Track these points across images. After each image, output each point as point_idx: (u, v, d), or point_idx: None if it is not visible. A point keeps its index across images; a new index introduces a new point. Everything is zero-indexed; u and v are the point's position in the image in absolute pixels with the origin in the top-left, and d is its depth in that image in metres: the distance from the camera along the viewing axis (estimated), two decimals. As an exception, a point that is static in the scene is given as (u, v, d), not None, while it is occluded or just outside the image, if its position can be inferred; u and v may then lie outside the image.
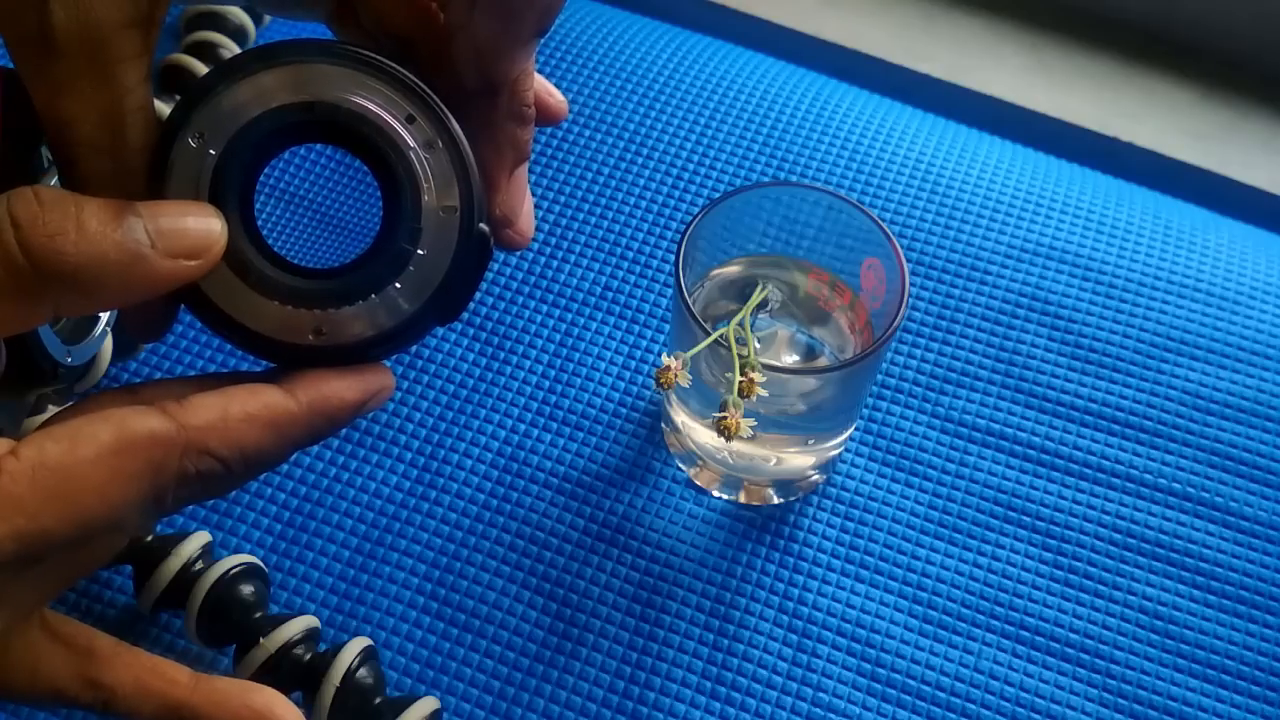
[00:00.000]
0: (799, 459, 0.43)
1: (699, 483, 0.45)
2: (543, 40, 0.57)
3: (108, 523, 0.23)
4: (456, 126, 0.28)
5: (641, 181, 0.53)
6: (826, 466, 0.44)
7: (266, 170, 0.27)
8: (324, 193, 0.51)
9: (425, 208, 0.27)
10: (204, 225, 0.25)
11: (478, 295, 0.50)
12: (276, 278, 0.27)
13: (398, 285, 0.27)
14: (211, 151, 0.26)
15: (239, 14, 0.54)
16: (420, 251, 0.27)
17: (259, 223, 0.27)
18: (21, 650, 0.27)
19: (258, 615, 0.39)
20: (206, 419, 0.24)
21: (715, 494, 0.45)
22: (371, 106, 0.27)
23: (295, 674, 0.38)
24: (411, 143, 0.27)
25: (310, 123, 0.27)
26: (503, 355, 0.48)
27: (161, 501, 0.24)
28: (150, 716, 0.28)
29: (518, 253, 0.51)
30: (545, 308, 0.50)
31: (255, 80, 0.26)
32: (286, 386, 0.26)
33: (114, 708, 0.28)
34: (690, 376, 0.36)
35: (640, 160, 0.54)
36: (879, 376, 0.48)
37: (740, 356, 0.36)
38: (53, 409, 0.42)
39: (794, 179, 0.53)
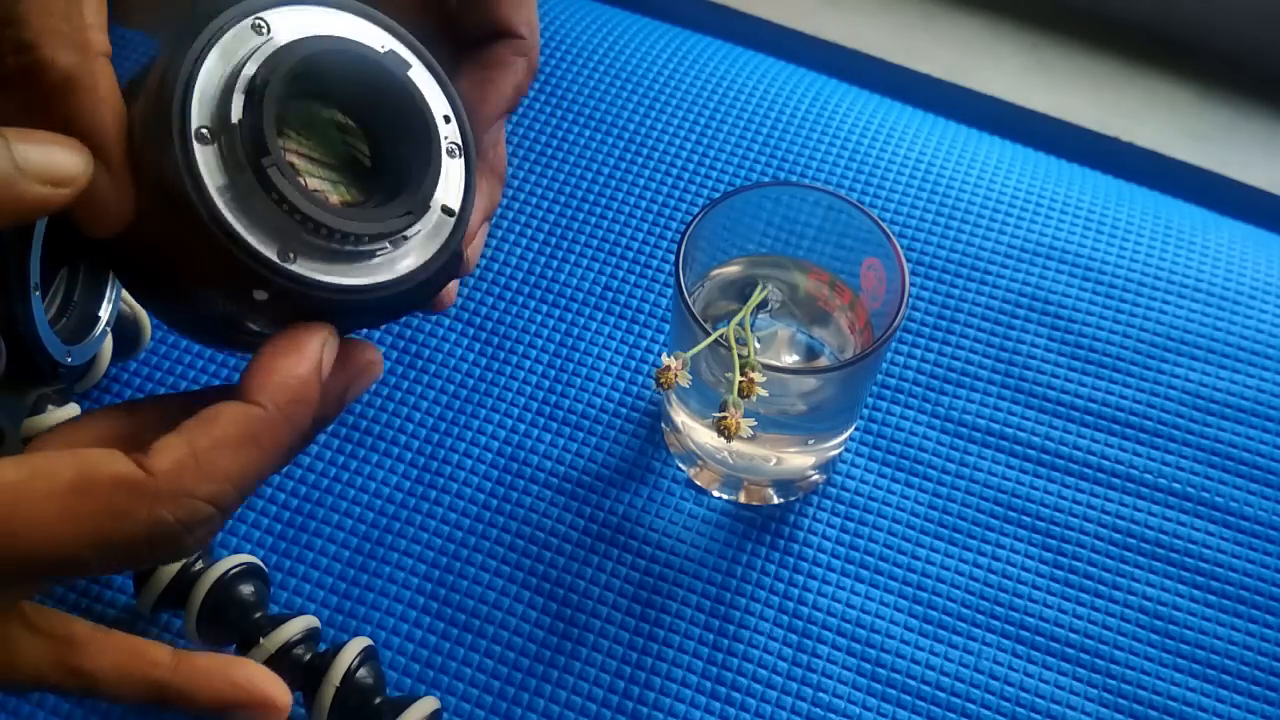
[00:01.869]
0: (799, 459, 0.43)
1: (699, 483, 0.45)
2: (544, 40, 0.58)
3: (52, 560, 0.22)
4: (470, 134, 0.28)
5: (641, 181, 0.53)
6: (826, 466, 0.44)
7: None
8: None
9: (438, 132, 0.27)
10: (70, 158, 0.23)
11: (478, 295, 0.50)
12: (320, 199, 0.25)
13: (407, 236, 0.26)
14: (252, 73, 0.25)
15: None
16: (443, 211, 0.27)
17: None
18: None
19: (258, 615, 0.39)
20: (174, 459, 0.23)
21: (715, 494, 0.45)
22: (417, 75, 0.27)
23: (295, 674, 0.38)
24: (443, 133, 0.27)
25: (358, 72, 0.26)
26: (503, 355, 0.48)
27: (131, 551, 0.23)
28: (133, 698, 0.28)
29: (517, 253, 0.51)
30: (545, 308, 0.50)
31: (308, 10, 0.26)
32: (243, 394, 0.25)
33: (96, 693, 0.27)
34: (690, 376, 0.36)
35: (640, 160, 0.54)
36: (879, 376, 0.48)
37: (740, 356, 0.36)
38: (52, 409, 0.42)
39: (794, 179, 0.53)
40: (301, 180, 0.25)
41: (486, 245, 0.51)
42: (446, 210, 0.27)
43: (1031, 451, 0.46)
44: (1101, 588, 0.43)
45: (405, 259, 0.27)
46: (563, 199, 0.53)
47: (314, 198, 0.25)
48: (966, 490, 0.45)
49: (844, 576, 0.43)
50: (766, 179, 0.53)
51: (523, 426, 0.46)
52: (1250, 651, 0.41)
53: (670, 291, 0.45)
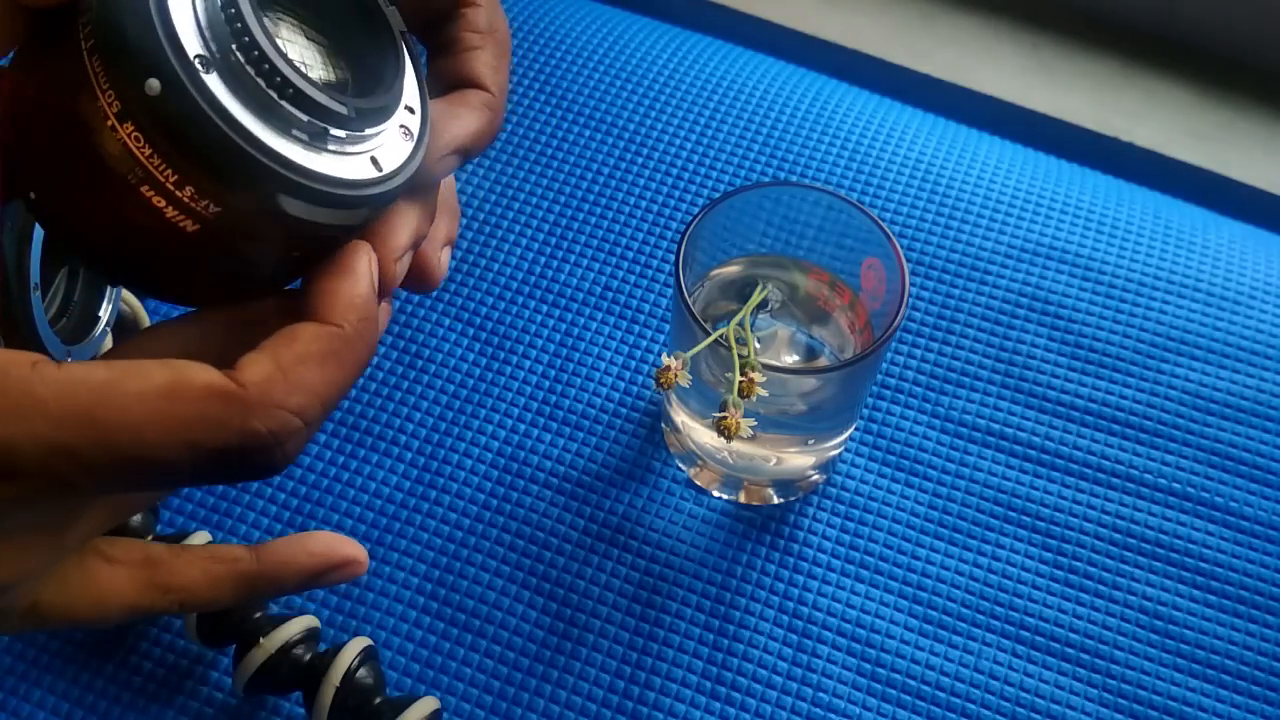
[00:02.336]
0: (799, 459, 0.43)
1: (699, 483, 0.45)
2: (543, 41, 0.58)
3: (144, 462, 0.22)
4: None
5: (641, 181, 0.53)
6: (826, 466, 0.44)
7: None
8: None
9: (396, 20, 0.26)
10: None
11: (478, 295, 0.50)
12: (339, 96, 0.23)
13: (406, 91, 0.26)
14: None
15: None
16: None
17: None
18: (80, 579, 0.27)
19: (258, 615, 0.39)
20: (263, 373, 0.23)
21: (715, 494, 0.45)
22: None
23: (295, 674, 0.38)
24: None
25: None
26: (503, 355, 0.48)
27: (223, 461, 0.22)
28: (228, 599, 0.28)
29: (517, 253, 0.51)
30: (545, 308, 0.50)
31: None
32: (316, 315, 0.24)
33: (191, 604, 0.28)
34: (690, 376, 0.36)
35: (640, 160, 0.54)
36: (879, 376, 0.48)
37: (740, 356, 0.36)
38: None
39: (794, 179, 0.53)
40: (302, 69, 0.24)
41: (487, 245, 0.51)
42: (405, 129, 0.26)
43: (1031, 451, 0.46)
44: (1101, 588, 0.43)
45: (381, 158, 0.25)
46: (563, 199, 0.53)
47: (335, 94, 0.23)
48: (966, 490, 0.45)
49: (844, 576, 0.43)
50: (766, 179, 0.53)
51: (523, 426, 0.46)
52: (1250, 651, 0.41)
53: (670, 291, 0.45)
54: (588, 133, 0.55)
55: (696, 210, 0.44)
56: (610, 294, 0.50)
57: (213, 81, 0.22)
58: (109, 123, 0.22)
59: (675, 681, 0.41)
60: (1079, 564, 0.43)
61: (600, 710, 0.40)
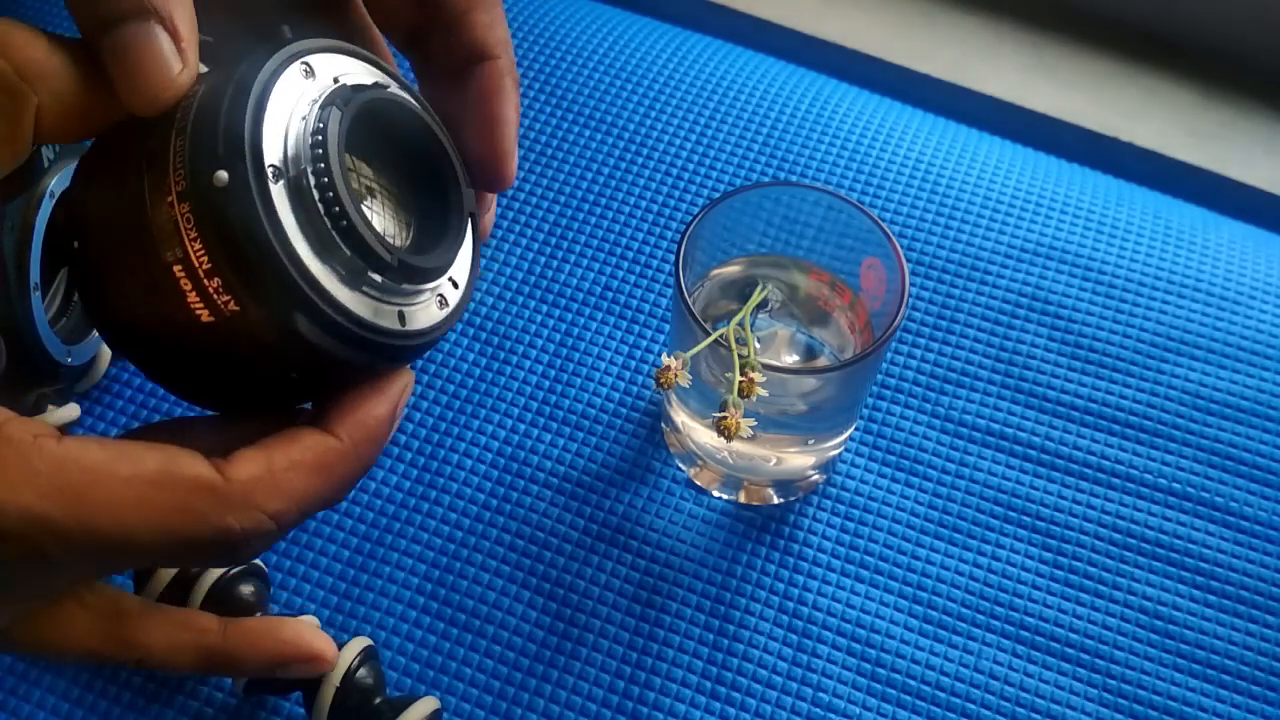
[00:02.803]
0: (799, 459, 0.43)
1: (699, 483, 0.45)
2: (543, 41, 0.58)
3: (118, 544, 0.22)
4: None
5: (641, 181, 0.53)
6: (826, 466, 0.44)
7: None
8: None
9: (468, 183, 0.27)
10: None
11: (478, 295, 0.50)
12: (389, 244, 0.24)
13: (454, 264, 0.27)
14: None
15: None
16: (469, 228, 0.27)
17: None
18: (50, 617, 0.27)
19: (258, 616, 0.39)
20: (252, 472, 0.23)
21: (715, 494, 0.45)
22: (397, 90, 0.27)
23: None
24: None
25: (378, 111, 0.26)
26: (503, 355, 0.48)
27: (194, 550, 0.23)
28: (185, 667, 0.28)
29: (517, 253, 0.51)
30: (545, 308, 0.50)
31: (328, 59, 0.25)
32: (324, 424, 0.25)
33: (149, 663, 0.28)
34: (690, 376, 0.36)
35: (640, 160, 0.54)
36: (879, 376, 0.48)
37: (740, 356, 0.36)
38: (53, 409, 0.42)
39: (794, 179, 0.53)
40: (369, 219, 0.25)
41: (486, 245, 0.51)
42: (441, 298, 0.27)
43: (1031, 451, 0.46)
44: (1101, 588, 0.43)
45: (468, 248, 0.27)
46: (563, 199, 0.53)
47: (385, 240, 0.24)
48: (966, 490, 0.45)
49: (844, 576, 0.43)
50: (766, 179, 0.53)
51: (523, 426, 0.46)
52: (1250, 651, 0.41)
53: (670, 291, 0.45)
54: (588, 133, 0.55)
55: (696, 210, 0.44)
56: (610, 294, 0.50)
57: (277, 192, 0.23)
58: (169, 198, 0.23)
59: (675, 681, 0.41)
60: (1079, 564, 0.43)
61: (600, 710, 0.40)
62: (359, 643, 0.38)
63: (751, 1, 0.65)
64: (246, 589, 0.39)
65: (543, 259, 0.51)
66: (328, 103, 0.24)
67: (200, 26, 0.27)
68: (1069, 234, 0.52)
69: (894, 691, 0.40)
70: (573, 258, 0.51)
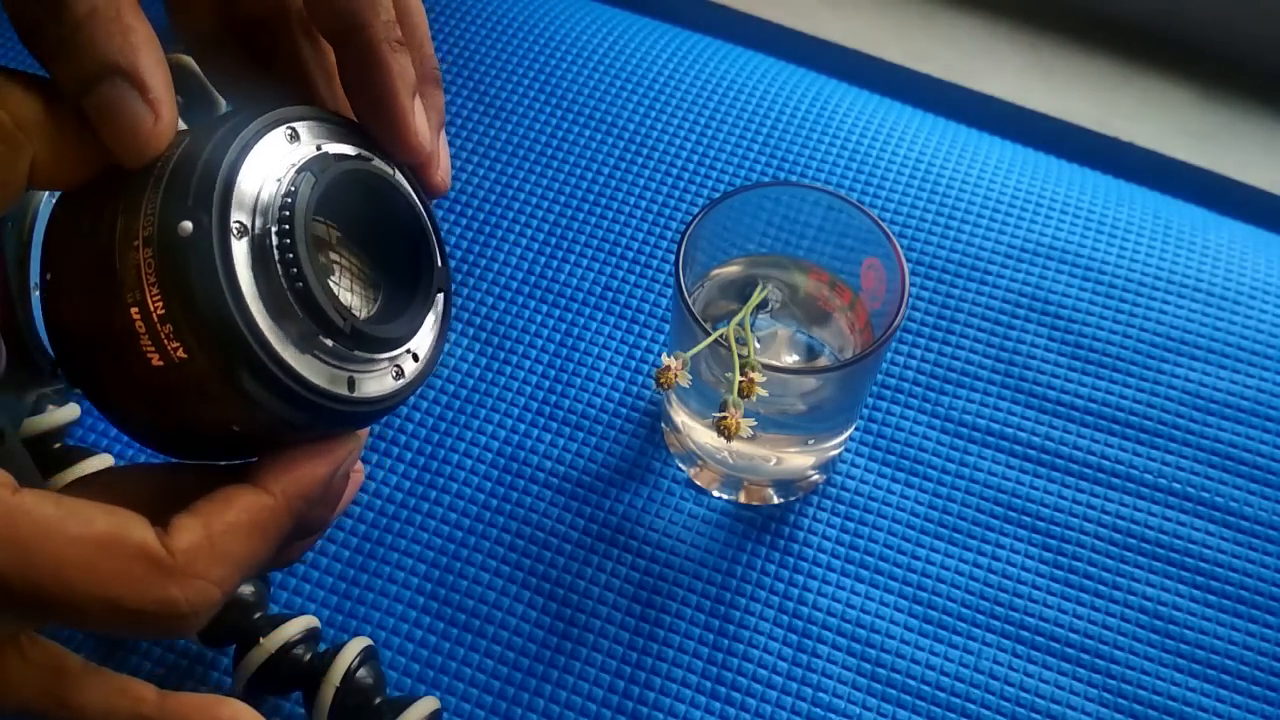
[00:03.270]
0: (799, 459, 0.43)
1: (699, 483, 0.45)
2: (543, 41, 0.58)
3: (58, 604, 0.23)
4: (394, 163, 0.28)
5: (641, 181, 0.53)
6: (826, 466, 0.44)
7: None
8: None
9: (442, 258, 0.28)
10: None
11: (478, 295, 0.50)
12: (343, 309, 0.25)
13: (416, 339, 0.27)
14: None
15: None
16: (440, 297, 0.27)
17: None
18: None
19: (257, 615, 0.39)
20: (191, 540, 0.23)
21: (715, 494, 0.45)
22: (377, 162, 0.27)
23: (295, 674, 0.38)
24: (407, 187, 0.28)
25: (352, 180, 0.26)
26: (503, 355, 0.48)
27: (136, 620, 0.23)
28: None
29: (517, 253, 0.51)
30: (545, 308, 0.50)
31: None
32: (257, 481, 0.25)
33: None
34: (690, 376, 0.36)
35: (640, 160, 0.54)
36: (879, 376, 0.48)
37: (740, 356, 0.36)
38: (53, 409, 0.42)
39: (794, 179, 0.53)
40: (334, 288, 0.25)
41: (487, 245, 0.51)
42: (399, 369, 0.27)
43: (1031, 451, 0.46)
44: (1101, 588, 0.43)
45: (435, 318, 0.28)
46: (563, 199, 0.53)
47: (341, 307, 0.25)
48: (966, 490, 0.45)
49: (844, 576, 0.43)
50: (766, 179, 0.53)
51: (523, 426, 0.46)
52: (1250, 651, 0.41)
53: (670, 291, 0.45)
54: (588, 133, 0.55)
55: (696, 210, 0.44)
56: (610, 294, 0.50)
57: (238, 248, 0.23)
58: (136, 242, 0.23)
59: (675, 681, 0.41)
60: (1079, 564, 0.43)
61: (600, 710, 0.40)
62: (359, 643, 0.38)
63: (751, 1, 0.65)
64: (246, 589, 0.39)
65: (543, 259, 0.51)
66: (304, 168, 0.25)
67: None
68: (1069, 234, 0.52)
69: (894, 691, 0.40)
70: (573, 258, 0.51)
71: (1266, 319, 0.49)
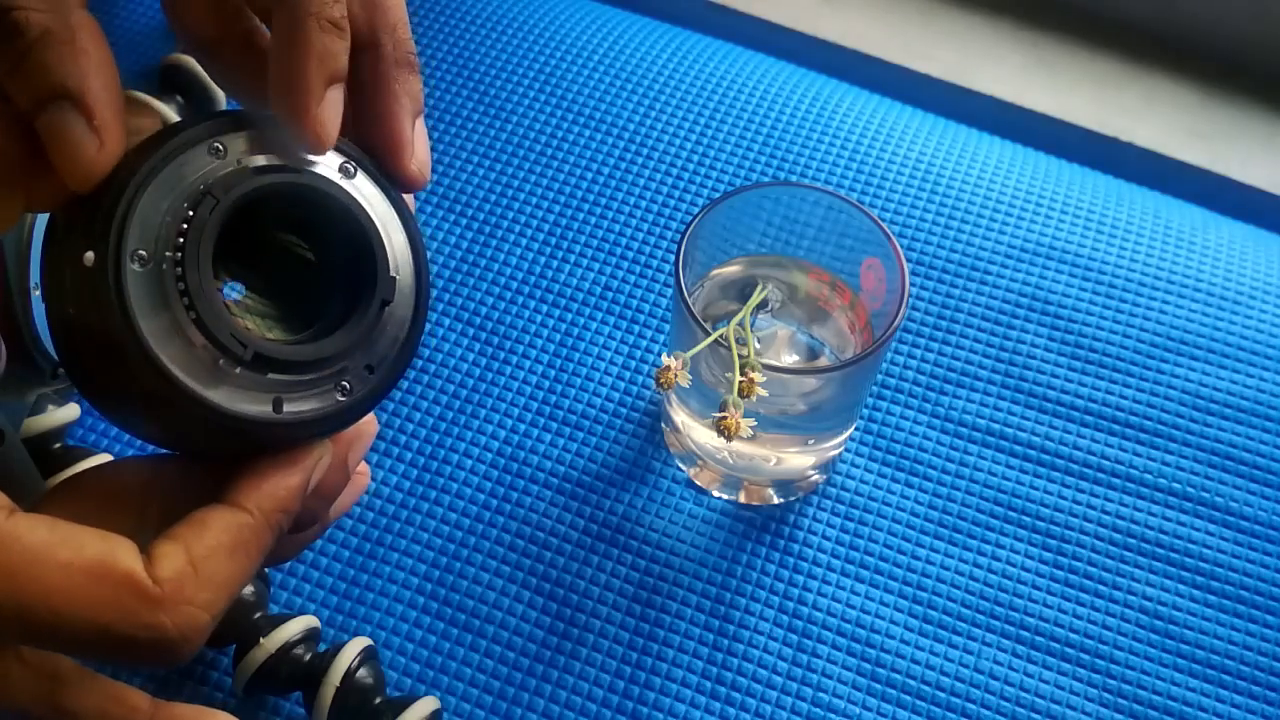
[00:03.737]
0: (799, 459, 0.43)
1: (699, 483, 0.45)
2: (543, 41, 0.58)
3: (46, 628, 0.23)
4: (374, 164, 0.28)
5: (641, 181, 0.53)
6: (826, 466, 0.44)
7: None
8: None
9: (390, 267, 0.27)
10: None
11: (478, 295, 0.50)
12: (241, 335, 0.25)
13: (369, 352, 0.27)
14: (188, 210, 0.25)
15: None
16: (391, 310, 0.27)
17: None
18: None
19: (258, 615, 0.39)
20: (175, 567, 0.23)
21: (715, 494, 0.45)
22: (319, 171, 0.26)
23: (295, 674, 0.38)
24: (358, 195, 0.27)
25: (279, 193, 0.26)
26: (503, 355, 0.48)
27: (126, 648, 0.23)
28: None
29: (517, 253, 0.51)
30: (545, 308, 0.50)
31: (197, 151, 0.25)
32: (232, 500, 0.25)
33: None
34: (690, 376, 0.36)
35: (640, 160, 0.54)
36: (879, 376, 0.48)
37: (740, 356, 0.36)
38: (52, 409, 0.42)
39: (794, 179, 0.53)
40: (238, 319, 0.25)
41: (487, 245, 0.51)
42: (343, 387, 0.27)
43: (1031, 451, 0.46)
44: (1101, 588, 0.43)
45: (392, 331, 0.27)
46: (563, 199, 0.53)
47: (239, 333, 0.25)
48: (966, 490, 0.45)
49: (844, 576, 0.43)
50: (766, 179, 0.53)
51: (523, 426, 0.46)
52: (1250, 651, 0.41)
53: (670, 291, 0.45)
54: (588, 133, 0.55)
55: (696, 210, 0.44)
56: (610, 294, 0.50)
57: (136, 277, 0.24)
58: (69, 262, 0.24)
59: (675, 681, 0.41)
60: (1079, 564, 0.43)
61: (600, 710, 0.40)
62: (359, 643, 0.38)
63: (751, 1, 0.65)
64: (246, 589, 0.39)
65: (543, 259, 0.51)
66: (208, 189, 0.24)
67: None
68: (1069, 234, 0.52)
69: (894, 691, 0.40)
70: (573, 258, 0.51)
71: (1266, 319, 0.49)
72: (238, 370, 0.24)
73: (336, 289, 0.27)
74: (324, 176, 0.26)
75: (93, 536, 0.23)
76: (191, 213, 0.24)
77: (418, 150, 0.29)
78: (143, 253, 0.24)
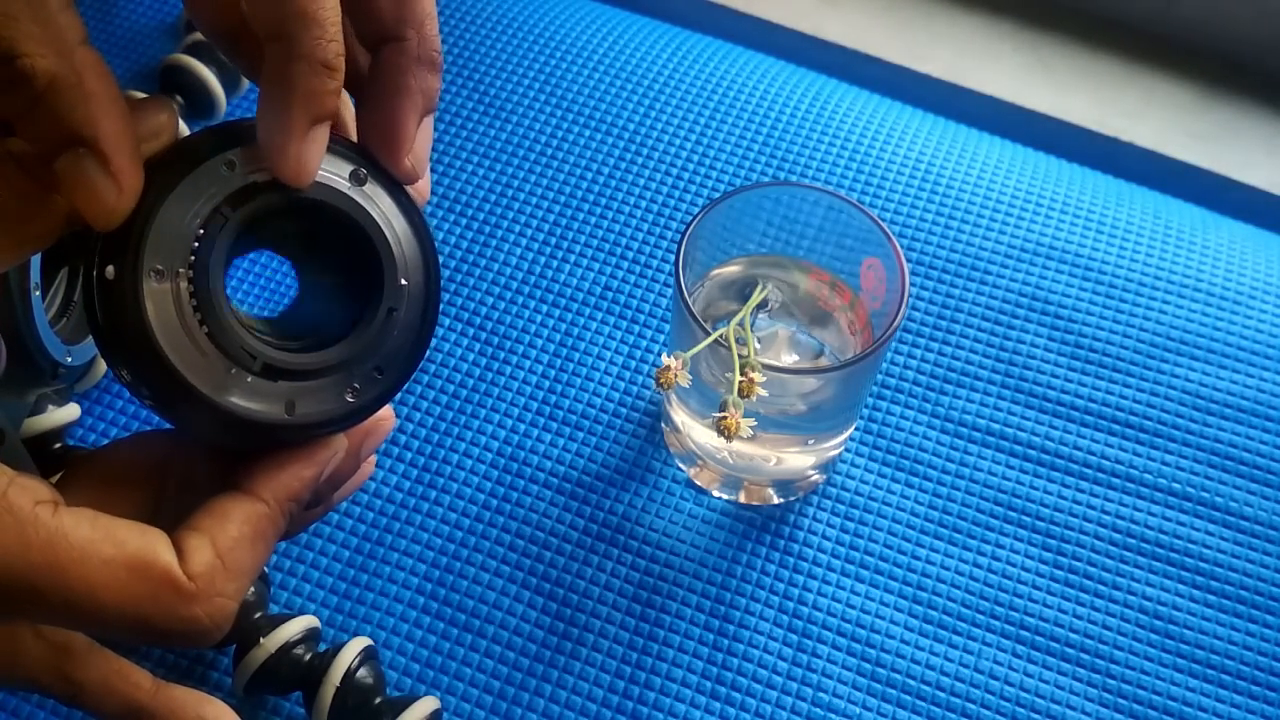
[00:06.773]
0: (799, 459, 0.43)
1: (699, 483, 0.45)
2: (543, 41, 0.58)
3: (88, 618, 0.24)
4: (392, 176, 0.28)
5: (641, 181, 0.53)
6: (826, 466, 0.44)
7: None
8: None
9: (398, 274, 0.28)
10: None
11: (478, 295, 0.50)
12: (251, 347, 0.26)
13: (377, 355, 0.27)
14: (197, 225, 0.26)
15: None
16: (400, 316, 0.28)
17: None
18: (3, 640, 0.29)
19: (258, 615, 0.39)
20: (205, 561, 0.25)
21: (715, 494, 0.45)
22: (325, 176, 0.27)
23: (295, 674, 0.38)
24: (371, 210, 0.27)
25: (284, 209, 0.27)
26: (503, 355, 0.48)
27: (162, 638, 0.25)
28: (112, 713, 0.30)
29: (517, 253, 0.51)
30: (545, 308, 0.50)
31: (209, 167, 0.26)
32: (249, 489, 0.26)
33: (81, 701, 0.30)
34: (690, 376, 0.36)
35: (640, 160, 0.54)
36: (879, 376, 0.48)
37: (740, 356, 0.36)
38: (53, 409, 0.42)
39: (794, 179, 0.53)
40: (248, 328, 0.27)
41: (487, 245, 0.51)
42: (354, 389, 0.28)
43: (1031, 451, 0.46)
44: (1101, 588, 0.43)
45: (401, 337, 0.28)
46: (563, 199, 0.53)
47: (248, 345, 0.26)
48: (966, 490, 0.45)
49: (844, 576, 0.43)
50: (766, 179, 0.53)
51: (523, 426, 0.46)
52: (1250, 651, 0.41)
53: (670, 291, 0.45)
54: (588, 133, 0.55)
55: (696, 210, 0.44)
56: (610, 294, 0.50)
57: (154, 292, 0.25)
58: (93, 275, 0.26)
59: (675, 681, 0.41)
60: (1079, 564, 0.43)
61: (600, 710, 0.40)
62: (359, 643, 0.38)
63: (751, 1, 0.65)
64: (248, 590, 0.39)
65: (543, 259, 0.51)
66: (221, 205, 0.26)
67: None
68: (1069, 234, 0.52)
69: (894, 691, 0.41)
70: (573, 258, 0.51)
71: (1266, 319, 0.49)
72: (249, 379, 0.26)
73: (349, 295, 0.28)
74: (332, 188, 0.27)
75: (132, 531, 0.24)
76: (203, 230, 0.25)
77: (417, 148, 0.29)
78: (159, 268, 0.25)
